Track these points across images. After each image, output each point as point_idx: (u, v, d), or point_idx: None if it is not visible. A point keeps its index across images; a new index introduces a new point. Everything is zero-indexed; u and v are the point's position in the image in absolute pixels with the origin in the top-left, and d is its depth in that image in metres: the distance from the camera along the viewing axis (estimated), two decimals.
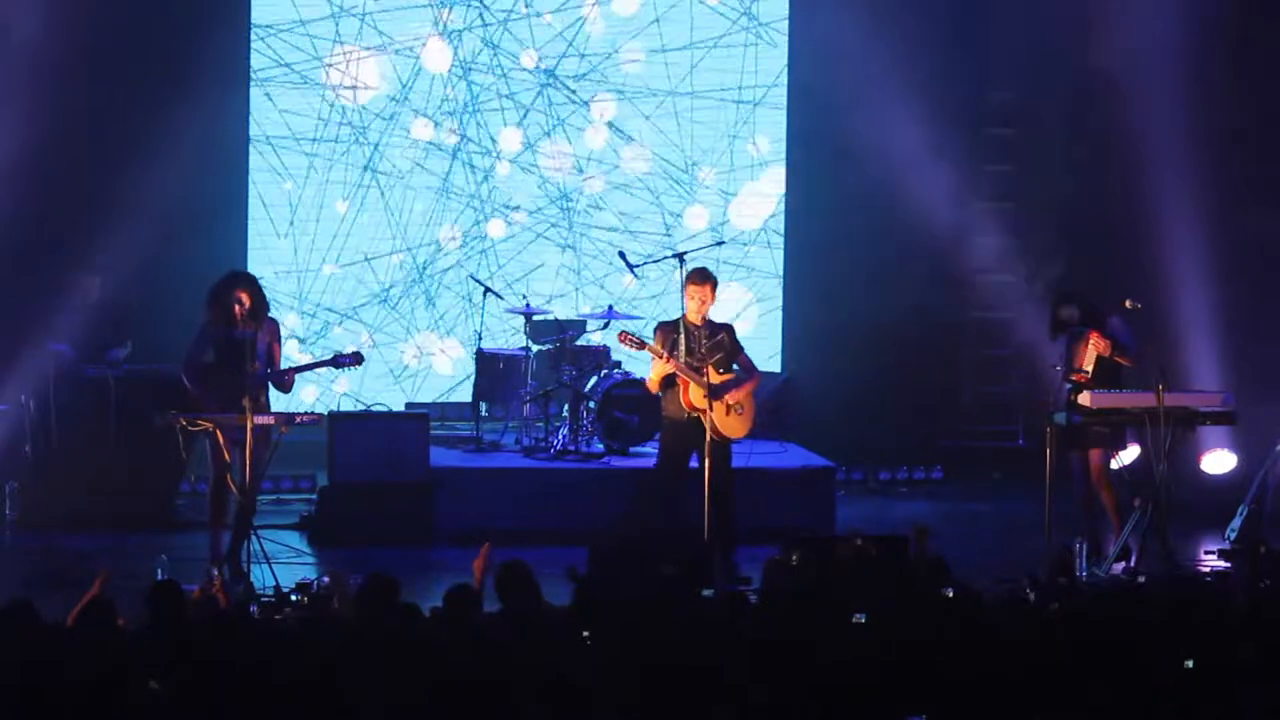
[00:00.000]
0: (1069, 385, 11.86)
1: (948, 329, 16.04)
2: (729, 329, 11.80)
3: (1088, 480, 11.98)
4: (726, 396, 11.54)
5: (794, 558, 9.66)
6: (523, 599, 8.02)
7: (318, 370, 12.32)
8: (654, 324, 12.15)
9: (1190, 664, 7.10)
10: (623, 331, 11.78)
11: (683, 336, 11.55)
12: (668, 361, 11.49)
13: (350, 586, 8.88)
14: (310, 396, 15.16)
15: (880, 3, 15.55)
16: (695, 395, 11.46)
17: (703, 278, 11.72)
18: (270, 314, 11.56)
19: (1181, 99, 15.08)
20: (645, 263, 14.32)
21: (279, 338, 11.59)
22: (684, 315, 11.68)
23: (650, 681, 6.81)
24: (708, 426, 11.41)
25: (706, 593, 9.33)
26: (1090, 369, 11.80)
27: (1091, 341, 11.81)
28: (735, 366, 11.74)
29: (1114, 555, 11.58)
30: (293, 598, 9.48)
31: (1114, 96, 15.27)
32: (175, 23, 14.83)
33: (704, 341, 11.58)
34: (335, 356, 11.68)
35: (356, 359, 11.65)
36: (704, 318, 11.66)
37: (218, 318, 11.37)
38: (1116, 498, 11.96)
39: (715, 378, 11.50)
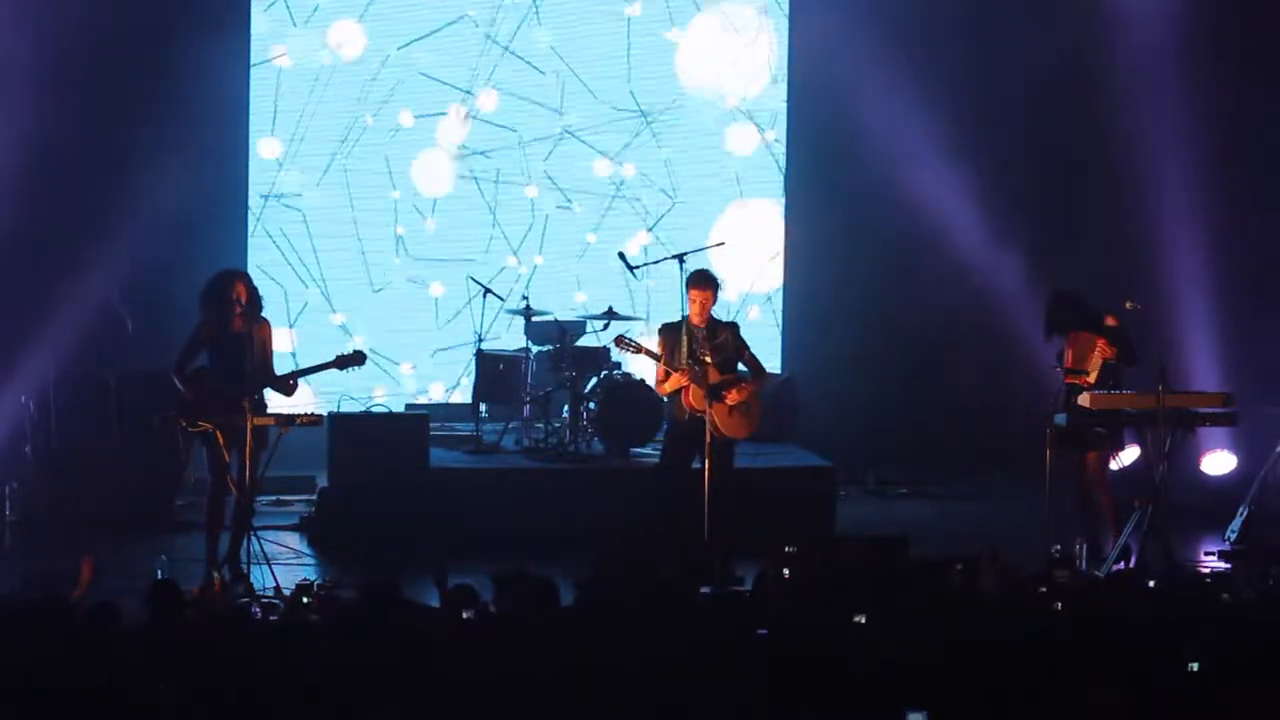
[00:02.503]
0: (1068, 386, 11.87)
1: (948, 329, 16.04)
2: (733, 328, 11.82)
3: (1087, 481, 11.98)
4: (728, 396, 11.54)
5: (793, 558, 9.66)
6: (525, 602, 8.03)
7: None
8: (654, 324, 12.16)
9: (1195, 666, 7.11)
10: (619, 336, 11.79)
11: (685, 338, 11.57)
12: (663, 363, 11.51)
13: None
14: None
15: (885, 1, 15.58)
16: (695, 396, 11.47)
17: (705, 282, 11.72)
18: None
19: (1183, 101, 15.07)
20: (645, 263, 14.32)
21: (271, 337, 11.47)
22: (686, 317, 11.71)
23: (650, 680, 6.82)
24: (709, 426, 11.40)
25: (704, 590, 9.35)
26: (1095, 375, 11.79)
27: (1099, 348, 11.81)
28: (741, 366, 11.75)
29: (1113, 556, 11.57)
30: (303, 599, 9.47)
31: (1116, 97, 15.26)
32: (177, 21, 14.82)
33: (705, 342, 11.59)
34: (338, 357, 11.58)
35: (358, 358, 11.57)
36: (706, 319, 11.68)
37: (214, 317, 11.25)
38: (1116, 499, 11.96)
39: (715, 377, 11.51)
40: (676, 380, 11.53)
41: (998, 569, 9.68)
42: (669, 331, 11.72)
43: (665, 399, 11.91)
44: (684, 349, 11.53)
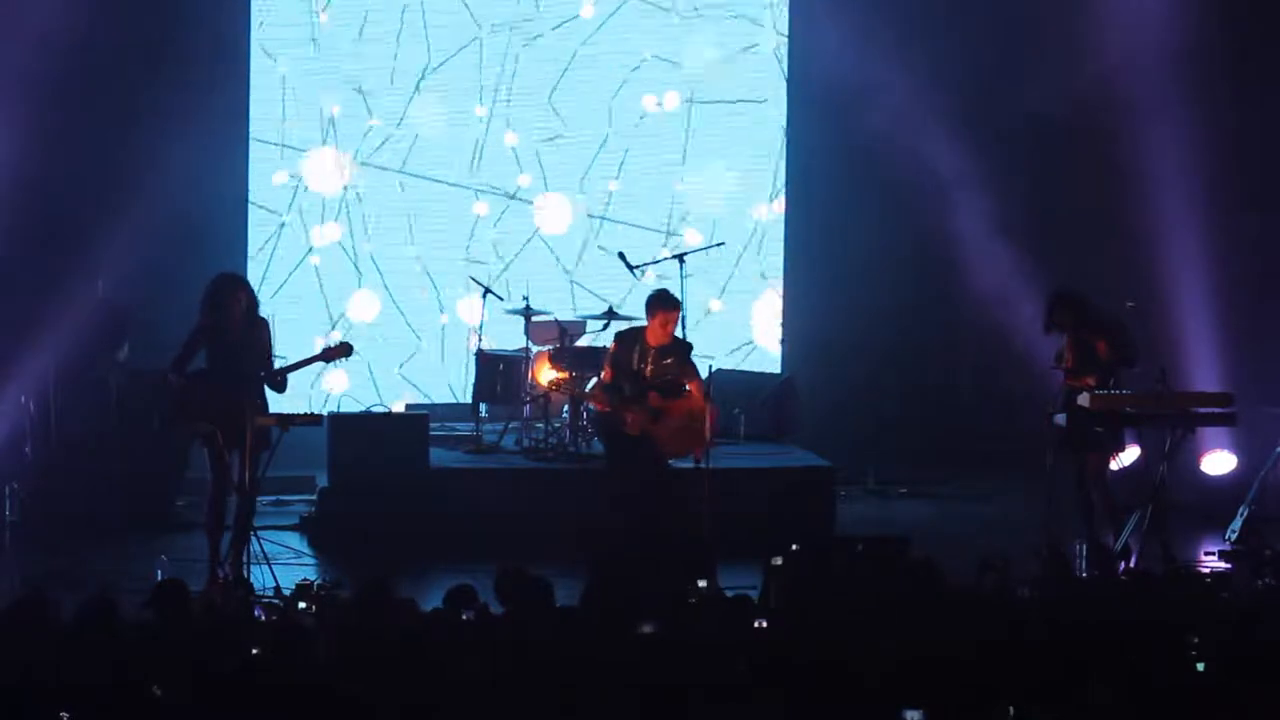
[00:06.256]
0: (1068, 386, 11.86)
1: (948, 328, 16.03)
2: (681, 348, 11.91)
3: (1087, 481, 11.97)
4: (670, 419, 11.69)
5: (794, 558, 9.66)
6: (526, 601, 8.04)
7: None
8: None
9: (1201, 666, 7.12)
10: (554, 380, 11.96)
11: (637, 355, 11.71)
12: (604, 407, 11.74)
13: None
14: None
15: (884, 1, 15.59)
16: (637, 420, 11.68)
17: (673, 303, 11.87)
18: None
19: (1182, 103, 15.07)
20: (645, 264, 14.32)
21: (270, 337, 11.40)
22: (644, 332, 11.87)
23: (651, 679, 6.83)
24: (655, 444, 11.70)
25: (702, 583, 9.36)
26: (1096, 379, 11.77)
27: (1101, 352, 11.78)
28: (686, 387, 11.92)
29: (1113, 556, 11.56)
30: (302, 600, 9.47)
31: (1116, 100, 15.26)
32: (176, 23, 14.83)
33: (653, 363, 11.75)
34: (324, 350, 11.52)
35: (345, 349, 11.52)
36: (667, 339, 11.86)
37: (215, 321, 11.18)
38: (1115, 499, 11.95)
39: (656, 401, 11.70)
40: (600, 407, 11.86)
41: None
42: (625, 341, 11.86)
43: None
44: (635, 365, 11.71)
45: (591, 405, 12.01)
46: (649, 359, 11.77)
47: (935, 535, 12.32)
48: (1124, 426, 11.96)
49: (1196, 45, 15.08)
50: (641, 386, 11.74)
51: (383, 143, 15.51)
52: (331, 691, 6.67)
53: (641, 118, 15.80)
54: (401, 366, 15.52)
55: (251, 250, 15.28)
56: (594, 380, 12.70)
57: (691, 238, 15.64)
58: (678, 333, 11.97)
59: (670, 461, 11.91)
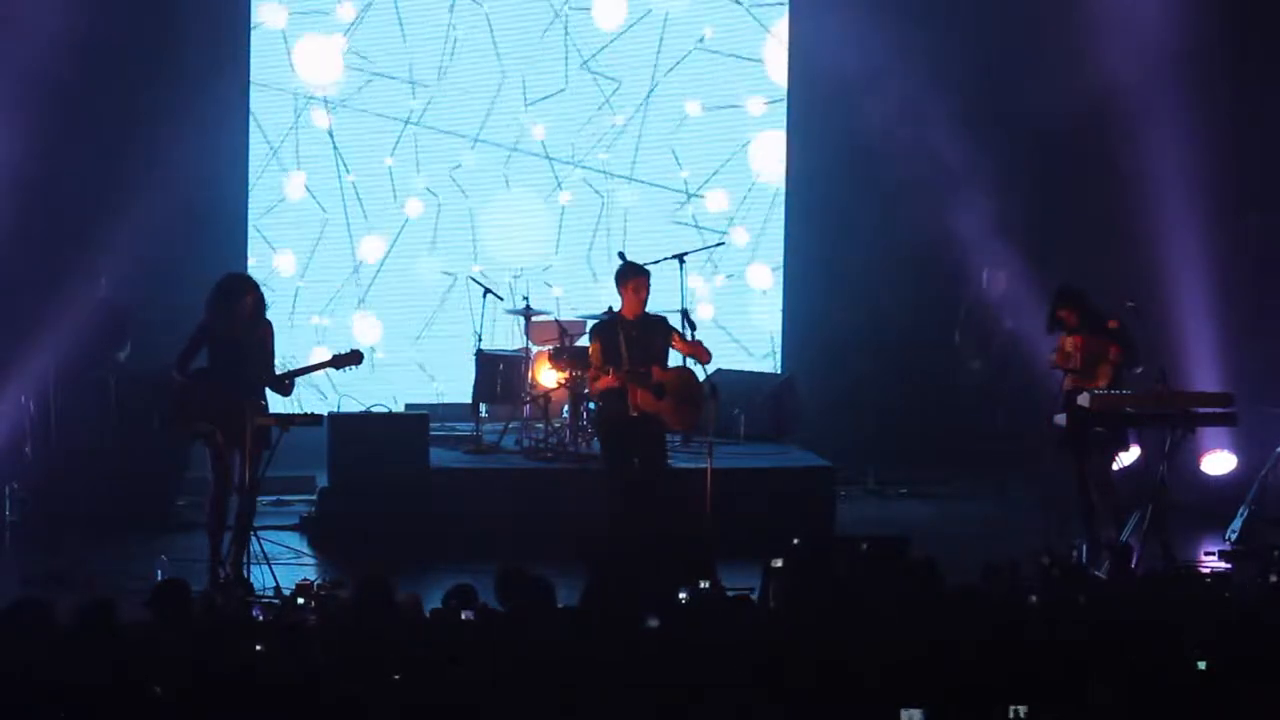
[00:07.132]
0: (1069, 386, 11.86)
1: (948, 328, 16.02)
2: (662, 320, 11.79)
3: (1088, 482, 11.97)
4: (672, 391, 11.59)
5: (794, 558, 9.66)
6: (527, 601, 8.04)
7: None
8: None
9: (1203, 665, 7.11)
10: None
11: (622, 339, 11.58)
12: (615, 378, 11.48)
13: None
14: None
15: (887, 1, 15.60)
16: (644, 399, 11.49)
17: (643, 272, 11.70)
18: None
19: (1182, 103, 15.08)
20: (645, 264, 14.30)
21: (273, 338, 11.40)
22: (620, 314, 11.70)
23: (651, 679, 6.83)
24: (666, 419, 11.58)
25: (704, 584, 9.37)
26: (1106, 381, 11.77)
27: (1111, 356, 11.79)
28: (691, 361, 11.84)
29: (1114, 556, 11.55)
30: (298, 600, 9.47)
31: (1117, 101, 15.26)
32: (176, 25, 14.84)
33: (641, 337, 11.58)
34: (334, 357, 11.56)
35: (355, 357, 11.54)
36: (641, 311, 11.68)
37: (220, 320, 11.21)
38: (1116, 499, 11.95)
39: (659, 374, 11.57)
40: (607, 381, 11.52)
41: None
42: (605, 332, 11.70)
43: (599, 400, 11.93)
44: (624, 350, 11.52)
45: (597, 390, 11.80)
46: (634, 337, 11.63)
47: (935, 535, 12.32)
48: (1124, 426, 11.96)
49: (1196, 45, 15.08)
50: (639, 365, 11.58)
51: (397, 141, 15.56)
52: (332, 691, 6.68)
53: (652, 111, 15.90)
54: (430, 372, 15.61)
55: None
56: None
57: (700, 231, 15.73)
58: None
59: (679, 434, 11.82)
